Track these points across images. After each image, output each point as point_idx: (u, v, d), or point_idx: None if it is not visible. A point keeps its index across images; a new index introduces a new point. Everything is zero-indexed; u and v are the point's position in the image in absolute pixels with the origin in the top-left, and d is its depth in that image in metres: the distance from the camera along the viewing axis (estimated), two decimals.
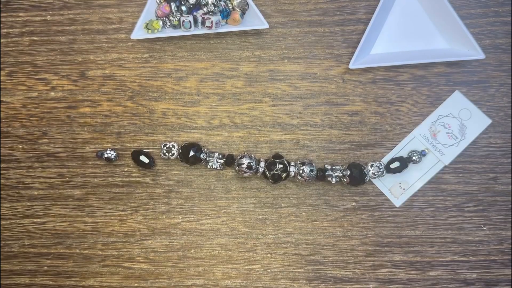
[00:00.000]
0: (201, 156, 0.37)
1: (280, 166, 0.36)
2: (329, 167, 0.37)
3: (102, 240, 0.39)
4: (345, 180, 0.37)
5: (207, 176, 0.39)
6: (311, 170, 0.37)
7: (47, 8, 0.39)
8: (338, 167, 0.37)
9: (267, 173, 0.37)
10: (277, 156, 0.37)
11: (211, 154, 0.38)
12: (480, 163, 0.38)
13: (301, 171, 0.37)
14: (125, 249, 0.39)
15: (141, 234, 0.39)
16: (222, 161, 0.38)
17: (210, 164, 0.38)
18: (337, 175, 0.37)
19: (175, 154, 0.37)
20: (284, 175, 0.37)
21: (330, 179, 0.37)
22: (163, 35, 0.37)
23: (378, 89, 0.38)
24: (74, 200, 0.39)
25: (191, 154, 0.37)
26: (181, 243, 0.38)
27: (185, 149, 0.37)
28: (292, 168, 0.37)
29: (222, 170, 0.38)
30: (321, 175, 0.37)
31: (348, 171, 0.37)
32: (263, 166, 0.37)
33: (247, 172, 0.37)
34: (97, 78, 0.39)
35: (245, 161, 0.37)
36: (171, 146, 0.37)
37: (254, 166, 0.37)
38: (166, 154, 0.37)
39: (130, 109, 0.39)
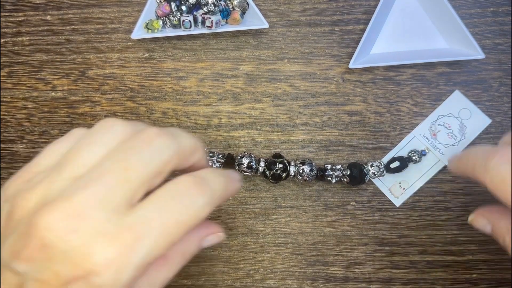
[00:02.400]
0: None
1: (280, 165, 0.36)
2: (329, 166, 0.37)
3: None
4: (345, 179, 0.37)
5: None
6: (311, 170, 0.37)
7: (47, 8, 0.39)
8: (338, 167, 0.37)
9: (267, 172, 0.37)
10: (277, 155, 0.37)
11: (211, 154, 0.38)
12: None
13: (301, 171, 0.37)
14: None
15: None
16: (222, 160, 0.38)
17: (210, 164, 0.38)
18: (337, 175, 0.37)
19: None
20: (284, 174, 0.37)
21: (330, 178, 0.37)
22: (163, 34, 0.37)
23: (378, 88, 0.38)
24: None
25: None
26: None
27: None
28: (292, 168, 0.37)
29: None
30: (321, 174, 0.37)
31: (348, 170, 0.37)
32: (263, 165, 0.37)
33: (247, 172, 0.37)
34: (97, 78, 0.39)
35: (245, 161, 0.37)
36: None
37: (254, 166, 0.37)
38: None
39: (130, 108, 0.39)
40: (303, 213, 0.38)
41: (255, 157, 0.37)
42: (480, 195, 0.38)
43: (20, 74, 0.39)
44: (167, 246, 0.20)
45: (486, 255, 0.38)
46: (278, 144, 0.39)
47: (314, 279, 0.38)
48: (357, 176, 0.37)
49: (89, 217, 0.18)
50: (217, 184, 0.23)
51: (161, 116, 0.39)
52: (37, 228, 0.18)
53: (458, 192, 0.38)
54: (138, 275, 0.19)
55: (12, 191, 0.21)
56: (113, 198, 0.19)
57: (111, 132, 0.22)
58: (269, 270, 0.39)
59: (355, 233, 0.38)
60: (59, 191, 0.19)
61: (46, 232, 0.18)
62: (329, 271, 0.38)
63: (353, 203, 0.38)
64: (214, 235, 0.27)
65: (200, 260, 0.38)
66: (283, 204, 0.39)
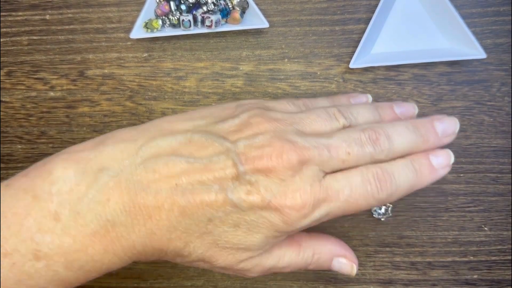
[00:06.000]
0: None
1: None
2: None
3: None
4: None
5: None
6: None
7: (46, 7, 0.39)
8: None
9: None
10: None
11: None
12: (481, 163, 0.38)
13: None
14: None
15: None
16: None
17: None
18: None
19: None
20: None
21: None
22: (162, 34, 0.37)
23: (379, 88, 0.38)
24: None
25: None
26: None
27: None
28: None
29: None
30: None
31: None
32: None
33: None
34: (96, 78, 0.39)
35: None
36: None
37: None
38: None
39: (129, 108, 0.39)
40: None
41: None
42: (480, 196, 0.38)
43: (19, 74, 0.39)
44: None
45: (487, 256, 0.38)
46: None
47: (315, 280, 0.38)
48: None
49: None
50: (402, 180, 0.27)
51: (160, 116, 0.39)
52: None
53: (459, 192, 0.38)
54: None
55: None
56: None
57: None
58: None
59: (355, 233, 0.38)
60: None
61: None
62: (329, 272, 0.38)
63: None
64: (348, 264, 0.30)
65: None
66: None
